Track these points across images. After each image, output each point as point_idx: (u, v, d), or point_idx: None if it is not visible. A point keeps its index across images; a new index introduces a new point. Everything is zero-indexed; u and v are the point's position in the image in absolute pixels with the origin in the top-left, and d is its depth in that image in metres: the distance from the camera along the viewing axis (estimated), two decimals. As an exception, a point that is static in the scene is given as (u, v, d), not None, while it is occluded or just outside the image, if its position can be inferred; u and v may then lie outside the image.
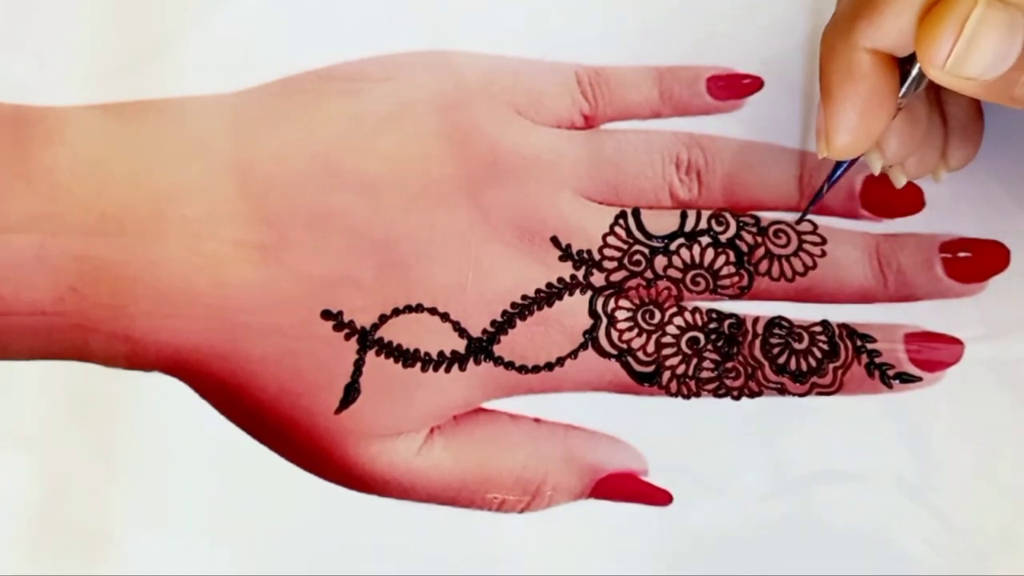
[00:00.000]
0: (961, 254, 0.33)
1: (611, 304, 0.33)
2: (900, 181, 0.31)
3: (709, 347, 0.33)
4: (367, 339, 0.32)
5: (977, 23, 0.24)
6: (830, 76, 0.27)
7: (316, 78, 0.33)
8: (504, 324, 0.32)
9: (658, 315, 0.33)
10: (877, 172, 0.31)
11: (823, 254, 0.33)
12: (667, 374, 0.32)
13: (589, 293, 0.33)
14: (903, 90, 0.27)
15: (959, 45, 0.24)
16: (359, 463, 0.32)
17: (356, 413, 0.31)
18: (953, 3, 0.25)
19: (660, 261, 0.33)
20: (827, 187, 0.31)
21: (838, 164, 0.30)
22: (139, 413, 0.32)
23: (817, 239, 0.33)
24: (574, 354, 0.32)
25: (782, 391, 0.33)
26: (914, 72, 0.27)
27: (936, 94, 0.30)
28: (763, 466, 0.33)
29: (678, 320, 0.33)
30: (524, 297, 0.32)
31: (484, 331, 0.32)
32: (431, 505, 0.33)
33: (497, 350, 0.32)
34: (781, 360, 0.33)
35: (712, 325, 0.33)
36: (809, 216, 0.33)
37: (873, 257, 0.33)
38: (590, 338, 0.32)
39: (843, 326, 0.33)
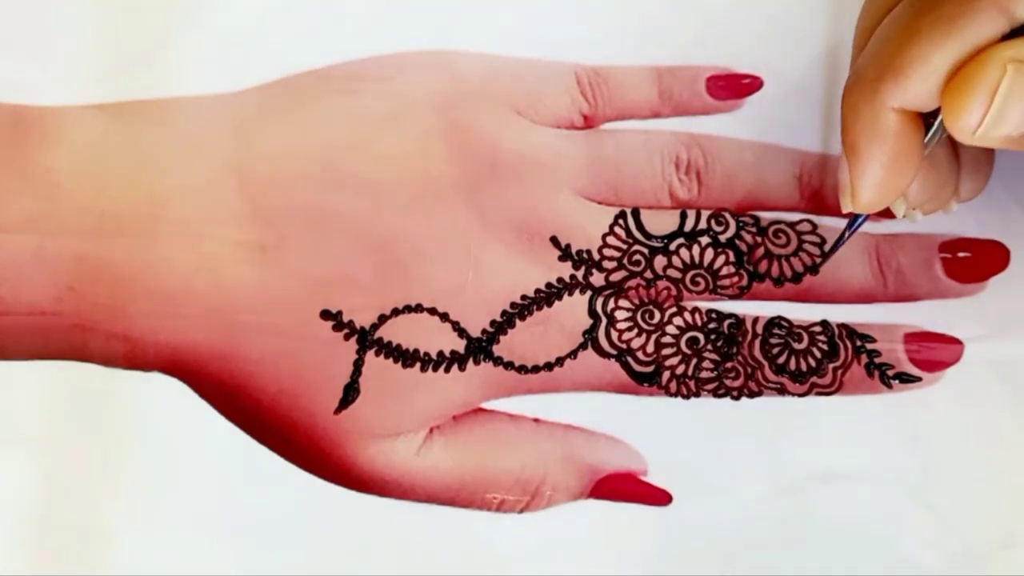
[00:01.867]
0: (961, 254, 0.33)
1: (611, 304, 0.33)
2: (916, 219, 0.31)
3: (709, 347, 0.33)
4: (366, 339, 0.32)
5: (1007, 92, 0.24)
6: (855, 135, 0.27)
7: (315, 78, 0.33)
8: (503, 324, 0.32)
9: (658, 315, 0.33)
10: (900, 217, 0.30)
11: (823, 254, 0.33)
12: (667, 374, 0.32)
13: (589, 293, 0.33)
14: (927, 139, 0.27)
15: (991, 113, 0.24)
16: (358, 463, 0.32)
17: (355, 413, 0.31)
18: (981, 69, 0.24)
19: (660, 261, 0.33)
20: (848, 235, 0.31)
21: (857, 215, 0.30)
22: (138, 413, 0.32)
23: (817, 239, 0.33)
24: (573, 354, 0.32)
25: (782, 391, 0.33)
26: (937, 123, 0.27)
27: (951, 139, 0.30)
28: (763, 466, 0.33)
29: (678, 320, 0.33)
30: (523, 297, 0.32)
31: (483, 331, 0.32)
32: (430, 505, 0.33)
33: (496, 350, 0.32)
34: (781, 360, 0.33)
35: (712, 325, 0.33)
36: (809, 216, 0.33)
37: (873, 257, 0.33)
38: (590, 338, 0.32)
39: (843, 326, 0.33)
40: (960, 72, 0.25)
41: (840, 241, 0.32)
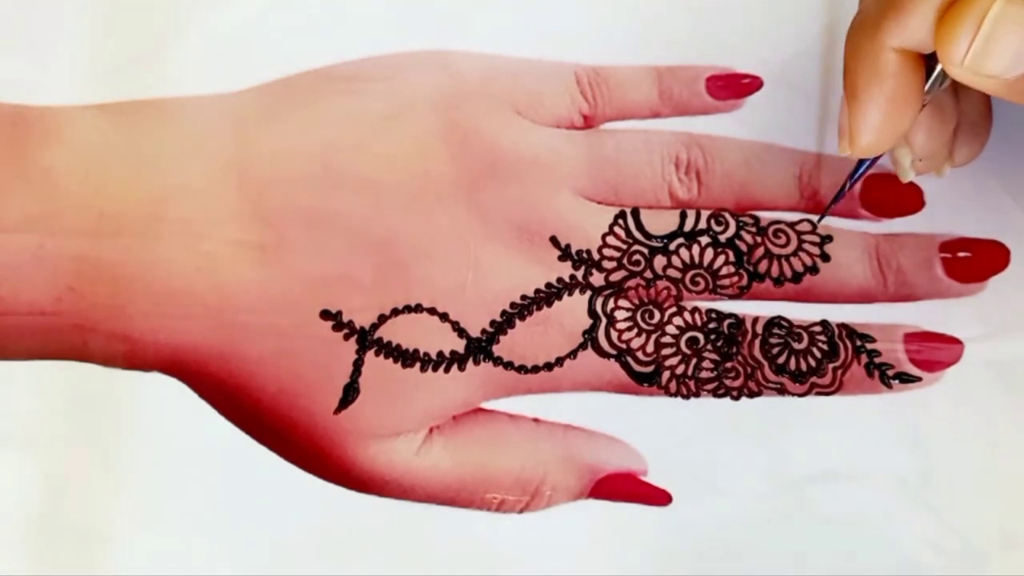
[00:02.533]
0: (961, 254, 0.33)
1: (610, 304, 0.33)
2: (908, 176, 0.31)
3: (708, 347, 0.33)
4: (366, 339, 0.32)
5: (995, 19, 0.24)
6: (856, 76, 0.27)
7: (315, 78, 0.33)
8: (503, 324, 0.32)
9: (657, 315, 0.33)
10: (907, 165, 0.30)
11: (823, 254, 0.33)
12: (666, 374, 0.32)
13: (588, 293, 0.33)
14: (928, 86, 0.27)
15: (977, 42, 0.24)
16: (358, 463, 0.32)
17: (355, 413, 0.31)
18: (968, 3, 0.24)
19: (659, 261, 0.33)
20: (849, 184, 0.31)
21: (860, 162, 0.30)
22: (138, 413, 0.32)
23: (816, 239, 0.33)
24: (573, 354, 0.32)
25: (781, 391, 0.33)
26: (939, 68, 0.27)
27: (954, 90, 0.30)
28: (762, 466, 0.33)
29: (677, 320, 0.33)
30: (523, 297, 0.32)
31: (483, 331, 0.32)
32: (430, 505, 0.32)
33: (496, 350, 0.32)
34: (780, 360, 0.33)
35: (711, 325, 0.33)
36: (809, 216, 0.33)
37: (873, 257, 0.33)
38: (589, 338, 0.32)
39: (842, 326, 0.33)
40: (951, 6, 0.25)
41: (842, 192, 0.31)
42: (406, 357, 0.32)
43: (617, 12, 0.34)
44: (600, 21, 0.34)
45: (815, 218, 0.33)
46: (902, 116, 0.27)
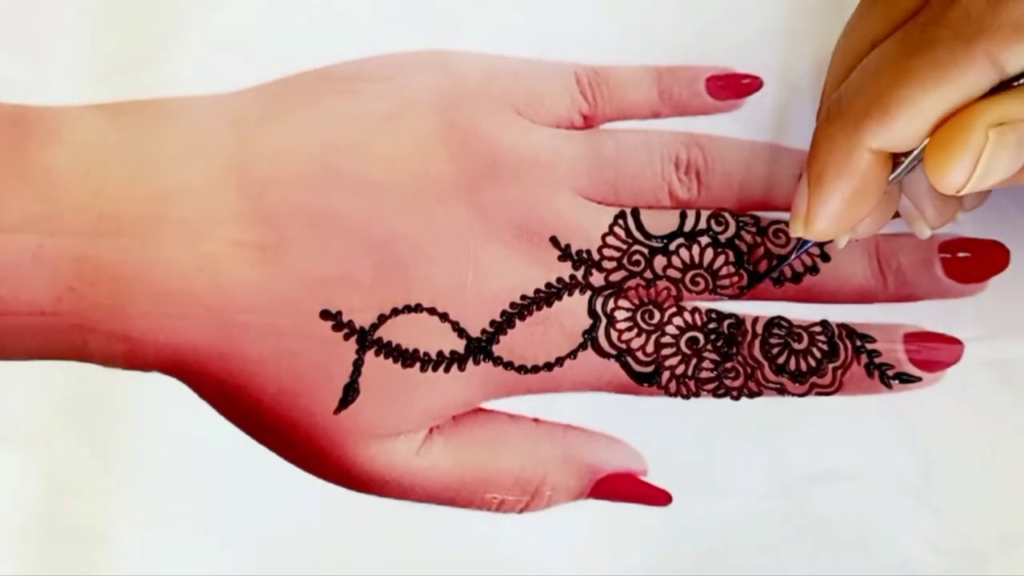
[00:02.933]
0: (960, 254, 0.33)
1: (610, 304, 0.33)
2: (925, 233, 0.31)
3: (708, 347, 0.33)
4: (366, 339, 0.32)
5: (992, 153, 0.24)
6: (824, 166, 0.27)
7: (315, 78, 0.33)
8: (503, 324, 0.32)
9: (657, 315, 0.33)
10: (925, 233, 0.31)
11: (823, 254, 0.33)
12: (666, 374, 0.32)
13: (588, 293, 0.33)
14: (892, 177, 0.27)
15: (976, 175, 0.25)
16: (358, 463, 0.32)
17: (355, 413, 0.31)
18: (964, 133, 0.25)
19: (659, 261, 0.33)
20: (792, 258, 0.32)
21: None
22: (138, 413, 0.32)
23: (816, 239, 0.33)
24: (573, 354, 0.32)
25: (781, 391, 0.33)
26: (906, 162, 0.27)
27: None
28: (762, 466, 0.33)
29: (677, 320, 0.33)
30: (523, 297, 0.32)
31: (483, 331, 0.32)
32: (430, 505, 0.32)
33: (496, 350, 0.32)
34: (780, 360, 0.33)
35: (711, 325, 0.33)
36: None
37: (873, 257, 0.33)
38: (589, 338, 0.32)
39: (842, 326, 0.33)
40: (943, 132, 0.25)
41: (781, 263, 0.32)
42: (406, 357, 0.32)
43: (617, 12, 0.34)
44: (600, 21, 0.34)
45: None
46: (861, 209, 0.27)
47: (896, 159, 0.27)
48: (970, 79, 0.25)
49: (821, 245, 0.33)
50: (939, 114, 0.25)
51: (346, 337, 0.31)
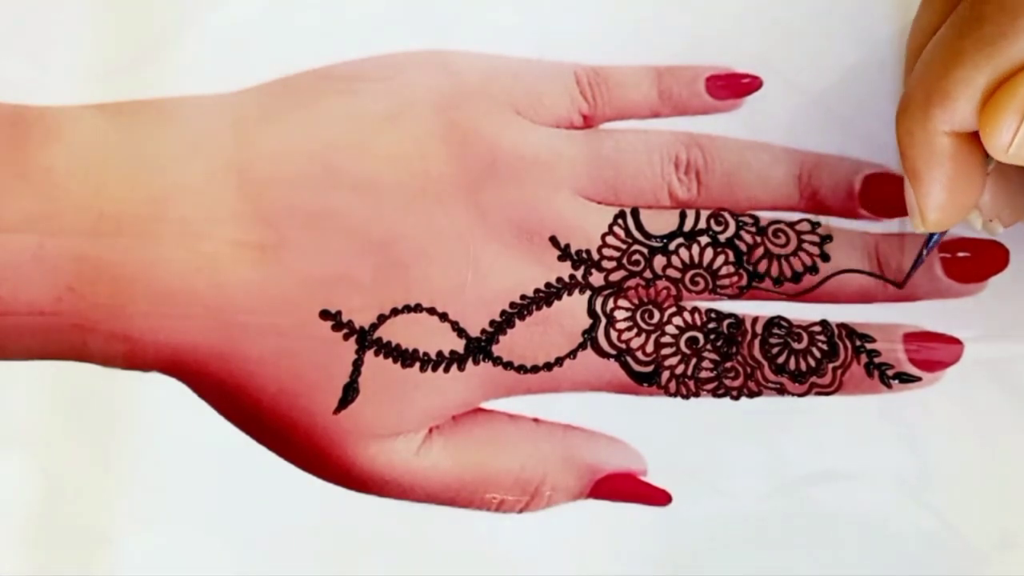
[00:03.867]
0: (960, 254, 0.33)
1: (610, 304, 0.33)
2: (997, 231, 0.31)
3: (708, 347, 0.33)
4: (366, 339, 0.32)
5: None
6: (914, 160, 0.27)
7: (315, 78, 0.33)
8: (503, 324, 0.32)
9: (657, 315, 0.33)
10: (979, 227, 0.31)
11: (823, 254, 0.33)
12: (666, 374, 0.32)
13: (588, 293, 0.32)
14: (991, 158, 0.27)
15: (1020, 133, 0.25)
16: (358, 463, 0.32)
17: (355, 413, 0.31)
18: (1012, 91, 0.25)
19: (659, 261, 0.33)
20: (926, 252, 0.32)
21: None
22: (138, 413, 0.32)
23: (816, 239, 0.33)
24: (573, 354, 0.32)
25: (781, 391, 0.33)
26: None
27: None
28: (762, 466, 0.33)
29: (677, 320, 0.33)
30: (523, 297, 0.32)
31: (483, 331, 0.32)
32: (430, 505, 0.32)
33: (496, 350, 0.32)
34: (780, 360, 0.33)
35: (711, 325, 0.33)
36: (808, 216, 0.33)
37: (872, 257, 0.33)
38: (589, 338, 0.32)
39: (842, 326, 0.33)
40: (994, 93, 0.25)
41: (919, 260, 0.32)
42: (406, 357, 0.32)
43: (617, 12, 0.34)
44: (600, 21, 0.34)
45: (815, 218, 0.33)
46: (968, 192, 0.27)
47: None
48: (1019, 49, 0.25)
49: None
50: (987, 87, 0.26)
51: (346, 337, 0.31)
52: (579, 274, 0.33)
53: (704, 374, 0.32)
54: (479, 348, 0.32)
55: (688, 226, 0.33)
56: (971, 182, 0.27)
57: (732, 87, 0.34)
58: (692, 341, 0.33)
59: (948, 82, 0.26)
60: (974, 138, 0.27)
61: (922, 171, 0.27)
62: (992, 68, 0.25)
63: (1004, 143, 0.25)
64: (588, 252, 0.33)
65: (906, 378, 0.33)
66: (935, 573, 0.33)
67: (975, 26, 0.26)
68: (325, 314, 0.31)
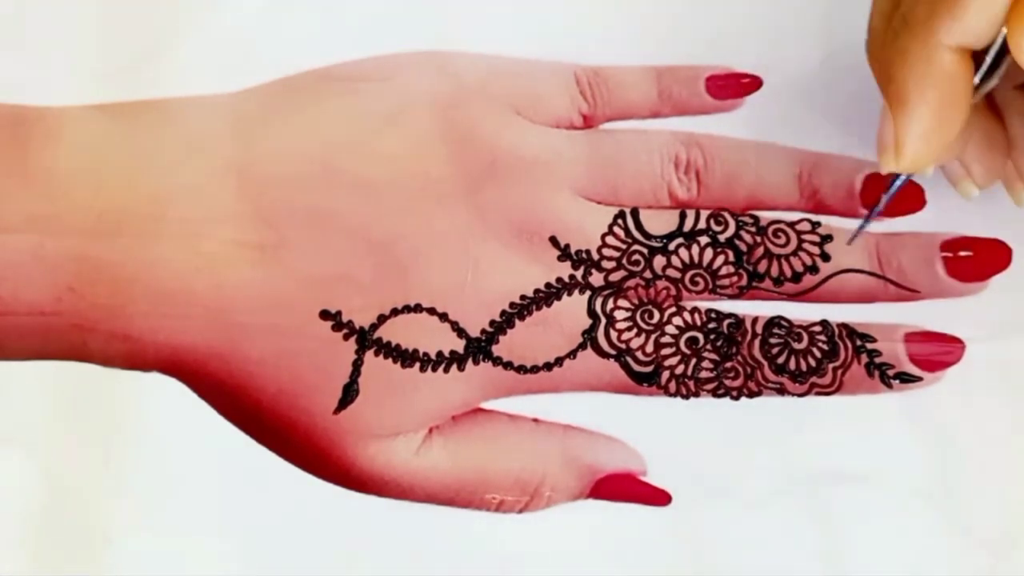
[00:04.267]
0: (962, 253, 0.33)
1: (610, 304, 0.32)
2: (972, 193, 0.30)
3: (708, 347, 0.32)
4: (366, 339, 0.31)
5: None
6: (905, 81, 0.27)
7: (315, 78, 0.33)
8: (503, 324, 0.32)
9: (657, 315, 0.33)
10: (974, 194, 0.30)
11: (823, 254, 0.33)
12: (666, 374, 0.32)
13: (588, 293, 0.32)
14: (977, 82, 0.27)
15: None
16: (357, 463, 0.32)
17: (354, 413, 0.31)
18: None
19: (659, 261, 0.33)
20: (886, 199, 0.31)
21: (893, 180, 0.30)
22: (138, 413, 0.32)
23: (816, 238, 0.33)
24: (573, 354, 0.32)
25: (781, 391, 0.32)
26: (988, 60, 0.27)
27: (996, 110, 0.30)
28: (762, 466, 0.33)
29: (677, 320, 0.33)
30: (523, 297, 0.32)
31: (483, 331, 0.32)
32: (429, 505, 0.32)
33: (496, 350, 0.32)
34: (780, 360, 0.32)
35: (711, 325, 0.33)
36: (808, 216, 0.33)
37: (873, 256, 0.33)
38: (589, 338, 0.32)
39: (843, 326, 0.33)
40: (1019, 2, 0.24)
41: (876, 208, 0.31)
42: (406, 357, 0.32)
43: (617, 12, 0.34)
44: (600, 21, 0.34)
45: (815, 218, 0.33)
46: (952, 121, 0.27)
47: (977, 60, 0.27)
48: None
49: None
50: None
51: (346, 337, 0.31)
52: (579, 274, 0.32)
53: (704, 374, 0.32)
54: (479, 348, 0.32)
55: (688, 226, 0.33)
56: (957, 111, 0.27)
57: (732, 87, 0.34)
58: (692, 341, 0.33)
59: None
60: (970, 61, 0.26)
61: (912, 92, 0.26)
62: None
63: None
64: (588, 252, 0.33)
65: (907, 378, 0.33)
66: (938, 572, 0.33)
67: None
68: (325, 314, 0.31)
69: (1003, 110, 0.30)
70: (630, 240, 0.33)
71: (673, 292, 0.33)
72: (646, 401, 0.33)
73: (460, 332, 0.32)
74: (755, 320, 0.33)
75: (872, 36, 0.30)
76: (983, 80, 0.27)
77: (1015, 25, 0.25)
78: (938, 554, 0.32)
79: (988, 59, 0.26)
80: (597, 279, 0.33)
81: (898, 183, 0.30)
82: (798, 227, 0.33)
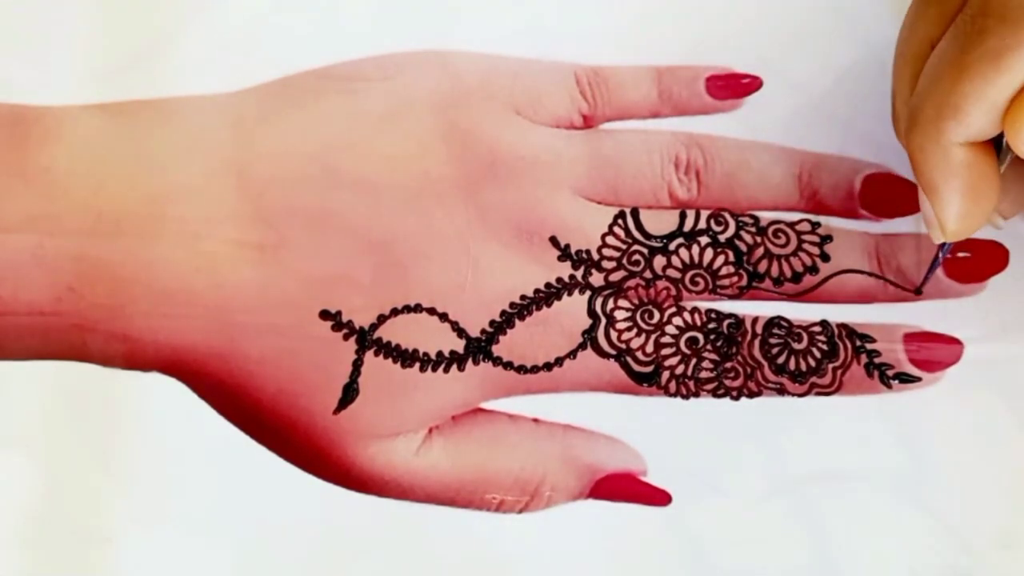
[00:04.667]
0: (960, 254, 0.33)
1: (610, 304, 0.32)
2: (999, 224, 0.32)
3: (708, 347, 0.33)
4: (365, 339, 0.31)
5: None
6: (930, 175, 0.28)
7: (315, 78, 0.33)
8: (503, 324, 0.32)
9: (657, 315, 0.33)
10: (1001, 225, 0.31)
11: (823, 254, 0.33)
12: (666, 374, 0.32)
13: (588, 293, 0.32)
14: (1001, 159, 0.28)
15: None
16: (357, 463, 0.32)
17: (354, 413, 0.31)
18: None
19: (659, 261, 0.33)
20: (941, 258, 0.32)
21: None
22: (137, 413, 0.32)
23: (816, 239, 0.33)
24: (573, 354, 0.32)
25: (781, 391, 0.33)
26: (1006, 142, 0.28)
27: None
28: (762, 466, 0.33)
29: (677, 320, 0.33)
30: (523, 297, 0.32)
31: (483, 331, 0.32)
32: (430, 505, 0.32)
33: (496, 350, 0.32)
34: (780, 360, 0.33)
35: (711, 325, 0.33)
36: (808, 216, 0.33)
37: (872, 257, 0.33)
38: (589, 338, 0.32)
39: (842, 326, 0.33)
40: (1018, 97, 0.26)
41: (934, 265, 0.32)
42: (405, 357, 0.32)
43: (617, 12, 0.34)
44: (600, 21, 0.34)
45: (815, 218, 0.33)
46: (985, 198, 0.28)
47: (997, 143, 0.28)
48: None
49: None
50: (1007, 97, 0.26)
51: (345, 337, 0.31)
52: (579, 274, 0.33)
53: (704, 374, 0.32)
54: (479, 348, 0.32)
55: (688, 226, 0.33)
56: (987, 189, 0.28)
57: (732, 87, 0.34)
58: (692, 341, 0.33)
59: (958, 96, 0.26)
60: (987, 145, 0.27)
61: (939, 184, 0.28)
62: (1004, 82, 0.26)
63: None
64: (588, 252, 0.33)
65: (906, 378, 0.33)
66: (934, 573, 0.33)
67: (978, 40, 0.26)
68: (325, 314, 0.31)
69: None
70: (630, 240, 0.33)
71: (673, 292, 0.33)
72: (646, 401, 0.33)
73: (460, 332, 0.32)
74: (755, 320, 0.33)
75: (895, 121, 0.31)
76: (1004, 155, 0.28)
77: (1011, 129, 0.26)
78: (931, 554, 0.32)
79: (1004, 142, 0.27)
80: (597, 279, 0.33)
81: (947, 247, 0.31)
82: (798, 227, 0.33)
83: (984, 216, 0.28)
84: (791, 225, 0.33)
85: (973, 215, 0.28)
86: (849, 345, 0.33)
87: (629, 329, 0.32)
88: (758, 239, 0.33)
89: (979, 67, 0.26)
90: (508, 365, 0.32)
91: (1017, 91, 0.26)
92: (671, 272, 0.33)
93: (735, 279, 0.33)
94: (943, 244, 0.31)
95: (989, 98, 0.26)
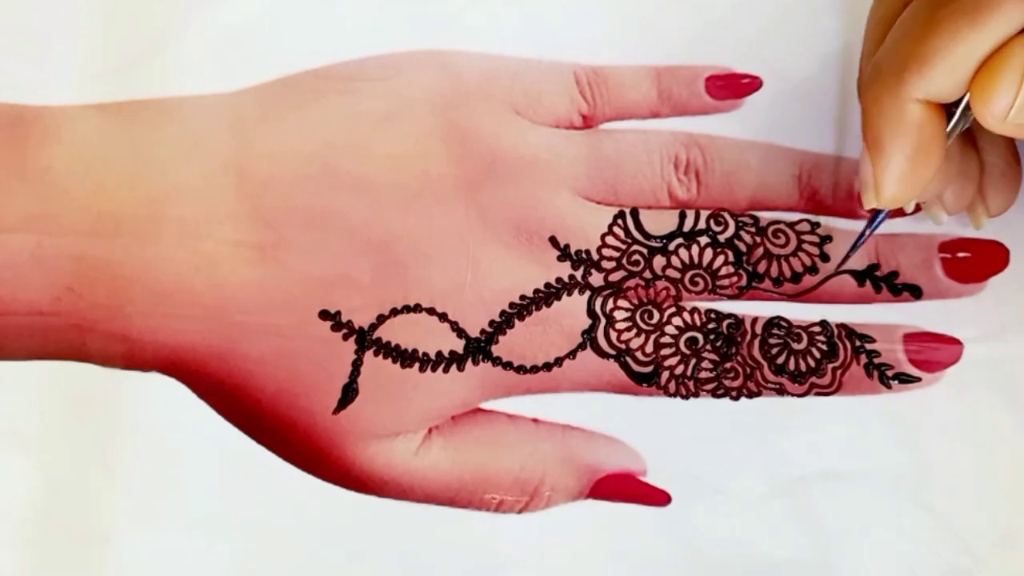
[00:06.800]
0: (960, 254, 0.33)
1: (610, 304, 0.33)
2: (941, 219, 0.31)
3: (708, 347, 0.33)
4: (365, 339, 0.31)
5: None
6: (879, 129, 0.27)
7: (314, 78, 0.33)
8: (502, 324, 0.32)
9: (657, 315, 0.33)
10: (944, 221, 0.31)
11: (822, 254, 0.33)
12: (666, 374, 0.32)
13: (587, 293, 0.32)
14: (949, 129, 0.28)
15: (1020, 98, 0.25)
16: (357, 463, 0.32)
17: (354, 413, 0.31)
18: (1010, 55, 0.25)
19: (659, 261, 0.33)
20: (868, 233, 0.31)
21: (876, 212, 0.31)
22: (137, 413, 0.32)
23: (816, 239, 0.33)
24: (572, 354, 0.32)
25: (781, 391, 0.33)
26: (959, 112, 0.27)
27: (973, 139, 0.30)
28: (762, 466, 0.33)
29: (677, 320, 0.33)
30: (522, 297, 0.32)
31: (482, 331, 0.32)
32: (429, 505, 0.32)
33: (495, 350, 0.32)
34: (780, 360, 0.33)
35: (711, 325, 0.33)
36: (808, 216, 0.33)
37: (872, 257, 0.33)
38: (588, 338, 0.32)
39: (842, 326, 0.33)
40: (988, 62, 0.25)
41: (860, 240, 0.32)
42: (405, 357, 0.32)
43: (617, 12, 0.34)
44: (600, 21, 0.34)
45: (814, 218, 0.33)
46: (927, 165, 0.27)
47: (949, 111, 0.27)
48: (1001, 20, 0.25)
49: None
50: (977, 58, 0.25)
51: (345, 337, 0.31)
52: (579, 274, 0.33)
53: (704, 374, 0.32)
54: (478, 348, 0.32)
55: (688, 226, 0.33)
56: (931, 155, 0.27)
57: (732, 87, 0.34)
58: (692, 341, 0.33)
59: (926, 49, 0.26)
60: (940, 110, 0.27)
61: (886, 140, 0.27)
62: (975, 40, 0.25)
63: (1001, 110, 0.25)
64: (588, 252, 0.33)
65: (906, 378, 0.33)
66: (934, 573, 0.33)
67: None
68: (324, 314, 0.31)
69: (977, 139, 0.30)
70: (630, 240, 0.33)
71: (673, 292, 0.33)
72: (646, 401, 0.33)
73: (460, 332, 0.32)
74: (755, 320, 0.33)
75: (860, 76, 0.31)
76: (955, 124, 0.27)
77: (978, 92, 0.26)
78: (931, 554, 0.32)
79: (959, 110, 0.27)
80: (597, 279, 0.33)
81: (880, 217, 0.31)
82: (798, 227, 0.33)
83: (920, 185, 0.28)
84: (791, 225, 0.33)
85: (911, 181, 0.27)
86: (849, 345, 0.33)
87: (629, 329, 0.32)
88: (758, 239, 0.33)
89: (952, 22, 0.26)
90: (508, 365, 0.32)
91: (988, 54, 0.25)
92: (671, 272, 0.33)
93: (735, 279, 0.33)
94: (875, 214, 0.31)
95: (956, 56, 0.26)
